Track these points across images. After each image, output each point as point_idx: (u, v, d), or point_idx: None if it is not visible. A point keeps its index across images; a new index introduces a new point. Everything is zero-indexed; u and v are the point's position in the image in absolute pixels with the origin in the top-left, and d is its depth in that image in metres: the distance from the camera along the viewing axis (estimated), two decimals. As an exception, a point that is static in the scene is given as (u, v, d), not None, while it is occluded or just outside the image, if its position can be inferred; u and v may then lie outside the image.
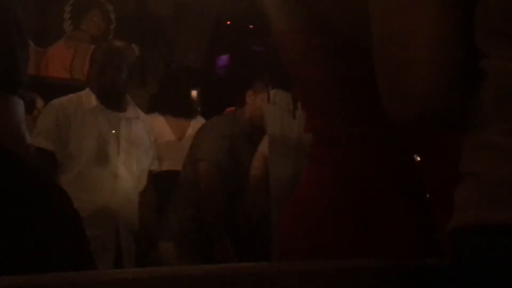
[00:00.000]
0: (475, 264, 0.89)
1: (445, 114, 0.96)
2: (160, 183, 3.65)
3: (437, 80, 0.93)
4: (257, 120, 3.71)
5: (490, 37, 0.91)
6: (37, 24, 4.99)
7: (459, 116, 0.95)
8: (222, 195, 3.63)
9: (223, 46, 5.42)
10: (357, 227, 1.28)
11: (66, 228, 1.14)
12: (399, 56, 0.94)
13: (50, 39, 5.20)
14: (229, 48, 5.35)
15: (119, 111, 3.47)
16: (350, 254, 1.25)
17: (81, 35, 5.28)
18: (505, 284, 0.86)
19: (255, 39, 4.77)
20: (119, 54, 3.50)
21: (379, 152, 1.33)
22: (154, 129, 3.71)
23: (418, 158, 1.41)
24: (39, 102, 4.07)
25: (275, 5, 1.36)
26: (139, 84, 3.53)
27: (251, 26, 5.15)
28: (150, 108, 4.12)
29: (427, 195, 1.37)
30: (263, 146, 3.57)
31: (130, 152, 3.43)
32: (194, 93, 4.29)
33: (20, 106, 1.35)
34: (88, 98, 3.42)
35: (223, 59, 5.40)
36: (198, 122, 4.03)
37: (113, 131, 3.39)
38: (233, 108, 3.99)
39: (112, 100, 3.45)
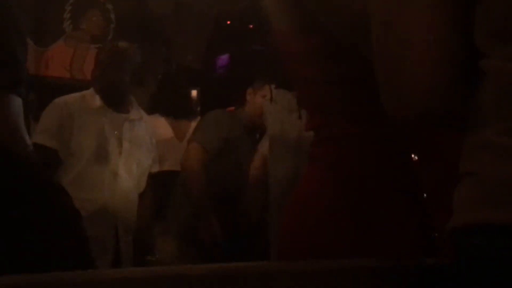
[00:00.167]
0: (475, 264, 0.89)
1: (445, 114, 0.96)
2: (160, 183, 3.64)
3: (437, 80, 0.93)
4: (257, 118, 3.71)
5: (490, 37, 0.91)
6: (37, 23, 4.98)
7: (459, 116, 0.95)
8: (206, 175, 3.57)
9: (223, 46, 5.42)
10: (357, 227, 1.28)
11: (66, 228, 1.14)
12: (399, 56, 0.94)
13: (50, 39, 5.19)
14: (229, 48, 5.35)
15: (122, 112, 3.45)
16: (350, 254, 1.25)
17: (81, 34, 5.28)
18: (505, 284, 0.86)
19: (255, 39, 4.77)
20: (124, 55, 3.48)
21: (379, 152, 1.33)
22: (155, 130, 3.71)
23: (416, 158, 1.41)
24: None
25: (274, 5, 1.37)
26: (138, 84, 3.53)
27: (251, 26, 5.15)
28: (150, 108, 4.12)
29: (426, 195, 1.38)
30: (263, 146, 3.57)
31: (131, 153, 3.42)
32: (194, 93, 4.29)
33: (19, 104, 1.35)
34: (92, 98, 3.41)
35: (223, 59, 5.40)
36: (198, 123, 4.03)
37: (116, 132, 3.39)
38: (233, 108, 3.99)
39: (115, 101, 3.43)
